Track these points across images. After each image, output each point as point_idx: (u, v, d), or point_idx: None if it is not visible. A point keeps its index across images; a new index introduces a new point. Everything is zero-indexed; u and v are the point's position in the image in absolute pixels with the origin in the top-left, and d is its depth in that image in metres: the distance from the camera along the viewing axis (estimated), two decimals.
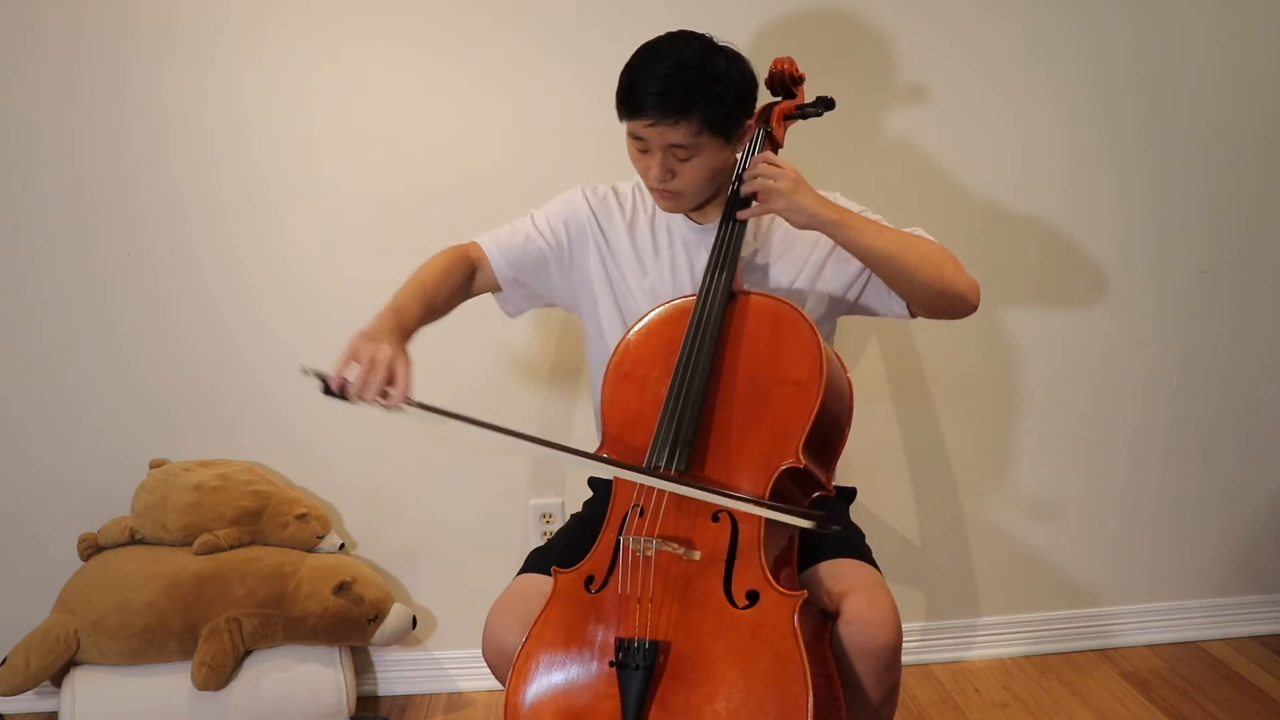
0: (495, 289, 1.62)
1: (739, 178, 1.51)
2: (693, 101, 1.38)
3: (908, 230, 1.52)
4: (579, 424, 2.15)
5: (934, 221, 2.07)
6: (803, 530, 1.35)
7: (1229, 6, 2.08)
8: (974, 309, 1.50)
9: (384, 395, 1.29)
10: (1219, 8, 2.08)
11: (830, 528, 1.23)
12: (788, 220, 1.44)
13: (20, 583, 2.15)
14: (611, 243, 1.61)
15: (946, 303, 1.48)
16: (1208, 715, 2.00)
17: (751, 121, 1.51)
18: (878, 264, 1.45)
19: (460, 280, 1.56)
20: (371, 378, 1.29)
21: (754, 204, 1.46)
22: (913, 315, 1.55)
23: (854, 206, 1.57)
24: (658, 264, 1.59)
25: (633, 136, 1.46)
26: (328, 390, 1.30)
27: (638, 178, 1.66)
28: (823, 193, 1.58)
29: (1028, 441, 2.23)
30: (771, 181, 1.41)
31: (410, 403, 1.29)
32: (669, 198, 1.50)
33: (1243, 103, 2.12)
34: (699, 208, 1.57)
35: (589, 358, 1.70)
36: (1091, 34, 2.07)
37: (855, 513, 1.62)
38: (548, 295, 1.66)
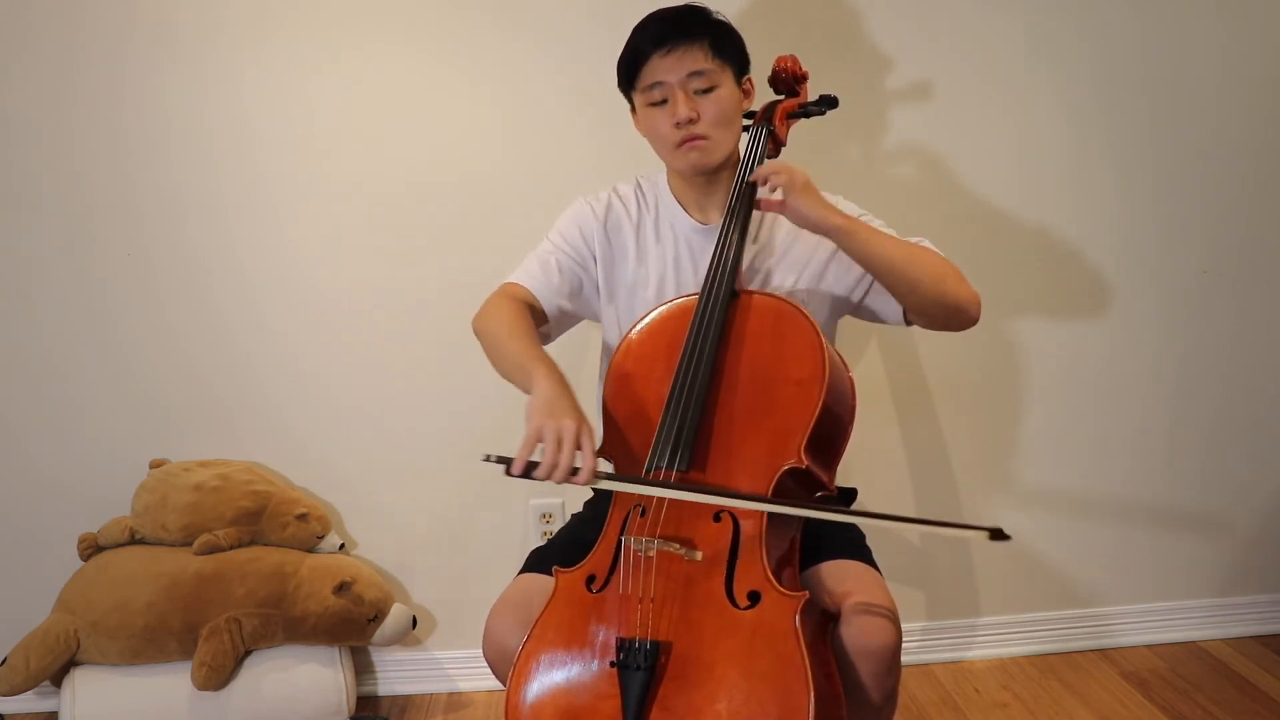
0: (544, 323, 1.59)
1: (743, 179, 1.51)
2: (699, 26, 1.48)
3: (912, 240, 1.52)
4: None
5: (933, 221, 2.08)
6: (804, 530, 1.36)
7: (1229, 6, 2.08)
8: (974, 321, 1.49)
9: (573, 473, 1.26)
10: (1219, 8, 2.08)
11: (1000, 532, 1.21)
12: (795, 222, 1.44)
13: (20, 583, 2.15)
14: (617, 245, 1.61)
15: (947, 314, 1.48)
16: (1208, 715, 2.00)
17: (751, 85, 1.56)
18: (881, 273, 1.45)
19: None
20: (561, 459, 1.26)
21: (764, 200, 1.45)
22: (908, 324, 1.55)
23: (855, 210, 1.58)
24: (661, 263, 1.59)
25: (646, 91, 1.49)
26: (509, 472, 1.28)
27: (638, 177, 1.66)
28: (825, 193, 1.59)
29: (1028, 441, 2.23)
30: (787, 179, 1.41)
31: (600, 476, 1.28)
32: (697, 146, 1.49)
33: (1243, 103, 2.12)
34: (714, 173, 1.55)
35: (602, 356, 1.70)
36: (1091, 34, 2.07)
37: None
38: (583, 313, 1.64)
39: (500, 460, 1.27)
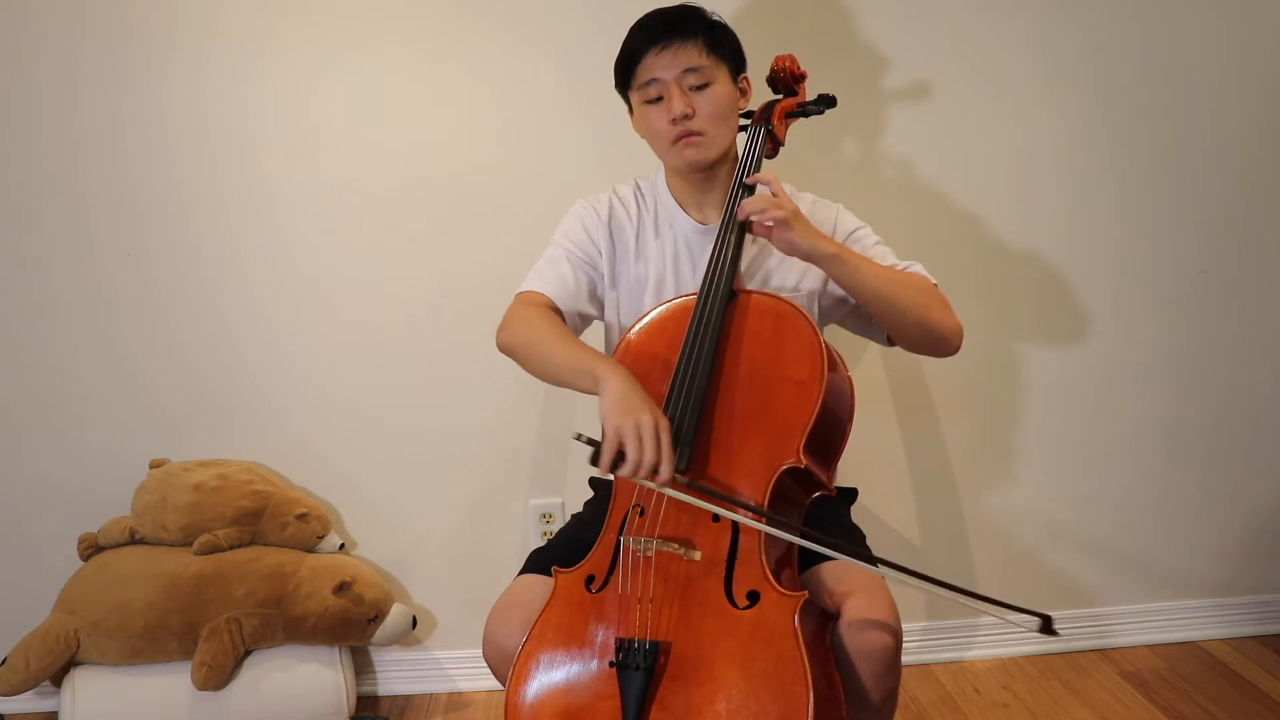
0: None
1: (741, 179, 1.51)
2: (694, 23, 1.49)
3: (905, 265, 1.53)
4: (579, 423, 2.14)
5: (931, 221, 2.09)
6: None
7: (1230, 7, 2.08)
8: (955, 351, 1.51)
9: (653, 473, 1.27)
10: (1219, 8, 2.07)
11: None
12: (786, 252, 1.44)
13: (20, 583, 2.15)
14: (620, 243, 1.61)
15: (928, 342, 1.50)
16: (1208, 715, 2.00)
17: (748, 84, 1.57)
18: (867, 300, 1.45)
19: None
20: (645, 454, 1.26)
21: (756, 225, 1.44)
22: (890, 344, 1.55)
23: (854, 223, 1.58)
24: (660, 262, 1.59)
25: (642, 89, 1.50)
26: (594, 461, 1.29)
27: (636, 178, 1.66)
28: (825, 200, 1.60)
29: (1028, 441, 2.23)
30: (777, 212, 1.40)
31: (677, 484, 1.28)
32: (693, 142, 1.50)
33: (1243, 103, 2.12)
34: (711, 171, 1.55)
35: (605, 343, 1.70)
36: (1091, 34, 2.07)
37: (856, 513, 1.62)
38: (599, 314, 1.64)
39: (590, 442, 1.28)
